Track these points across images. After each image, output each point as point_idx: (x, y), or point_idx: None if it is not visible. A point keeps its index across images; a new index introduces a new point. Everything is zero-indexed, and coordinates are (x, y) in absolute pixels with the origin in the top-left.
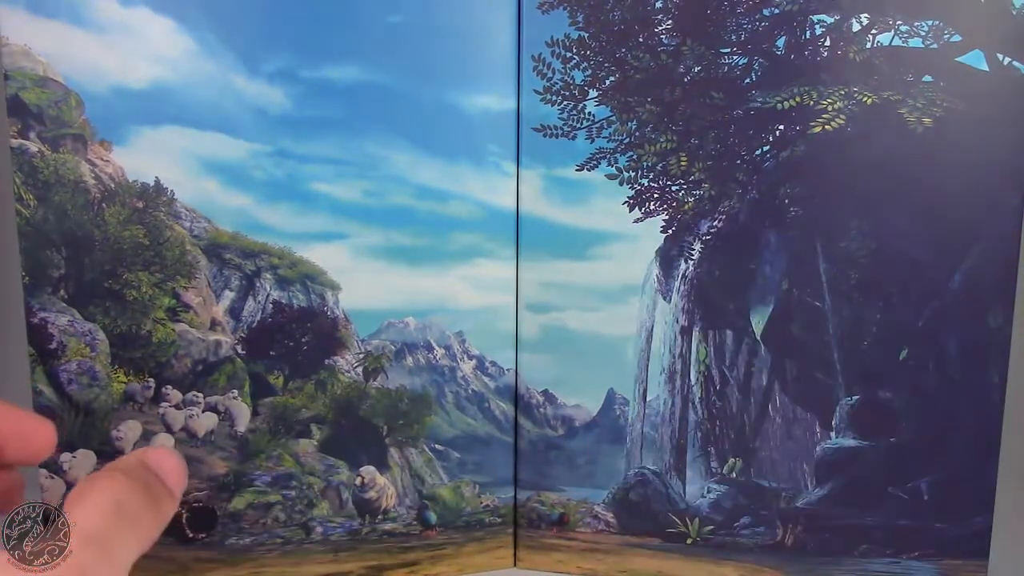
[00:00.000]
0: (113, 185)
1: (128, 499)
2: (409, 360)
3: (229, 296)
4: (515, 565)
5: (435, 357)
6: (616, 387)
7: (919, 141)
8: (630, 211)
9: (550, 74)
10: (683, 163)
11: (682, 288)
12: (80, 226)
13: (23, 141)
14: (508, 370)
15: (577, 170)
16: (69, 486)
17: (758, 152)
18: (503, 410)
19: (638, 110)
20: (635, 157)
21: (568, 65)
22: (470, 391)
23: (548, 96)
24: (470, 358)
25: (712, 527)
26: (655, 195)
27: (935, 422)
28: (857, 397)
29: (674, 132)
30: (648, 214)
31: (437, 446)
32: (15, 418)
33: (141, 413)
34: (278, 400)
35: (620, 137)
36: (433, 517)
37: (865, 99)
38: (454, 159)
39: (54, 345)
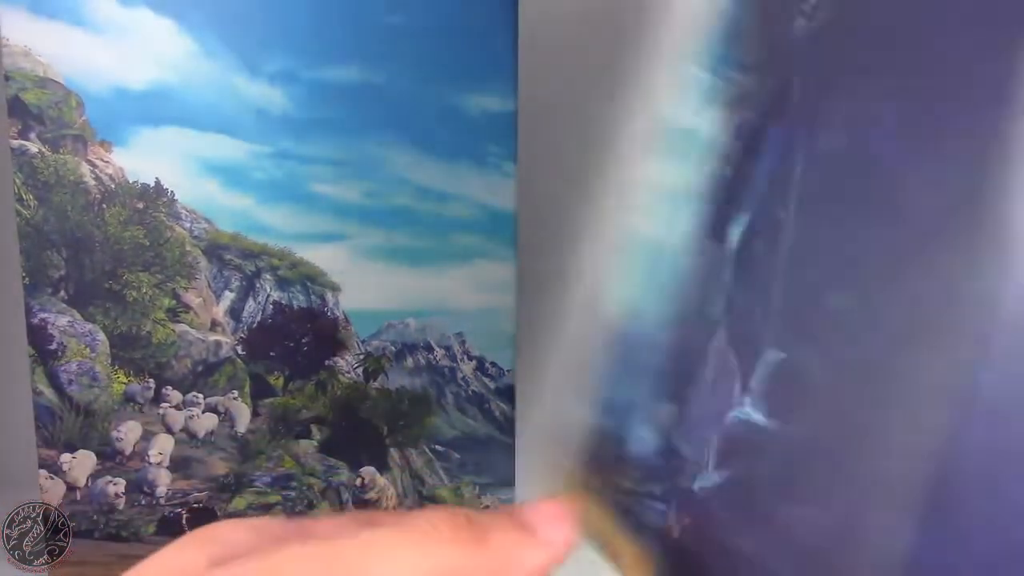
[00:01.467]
0: (113, 186)
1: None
2: (409, 361)
3: (229, 297)
4: None
5: (435, 358)
6: None
7: None
8: None
9: None
10: None
11: None
12: (80, 227)
13: (23, 142)
14: (508, 371)
15: None
16: (69, 487)
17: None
18: (503, 411)
19: None
20: None
21: None
22: (470, 392)
23: None
24: (470, 359)
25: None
26: None
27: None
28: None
29: None
30: None
31: (437, 447)
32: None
33: (141, 414)
34: (278, 401)
35: None
36: None
37: None
38: (454, 159)
39: (54, 346)
